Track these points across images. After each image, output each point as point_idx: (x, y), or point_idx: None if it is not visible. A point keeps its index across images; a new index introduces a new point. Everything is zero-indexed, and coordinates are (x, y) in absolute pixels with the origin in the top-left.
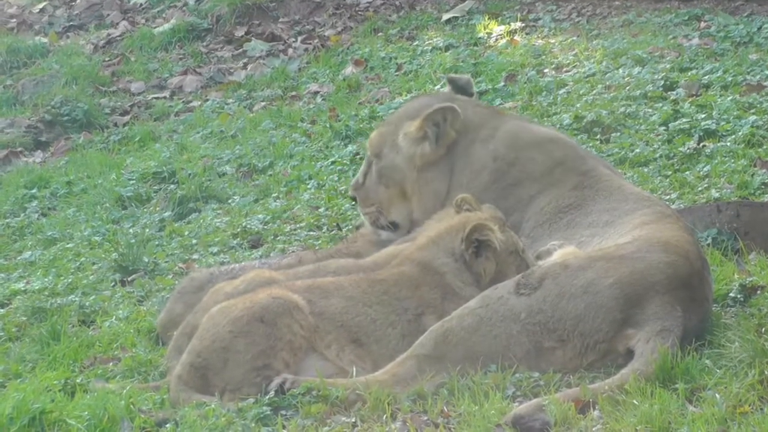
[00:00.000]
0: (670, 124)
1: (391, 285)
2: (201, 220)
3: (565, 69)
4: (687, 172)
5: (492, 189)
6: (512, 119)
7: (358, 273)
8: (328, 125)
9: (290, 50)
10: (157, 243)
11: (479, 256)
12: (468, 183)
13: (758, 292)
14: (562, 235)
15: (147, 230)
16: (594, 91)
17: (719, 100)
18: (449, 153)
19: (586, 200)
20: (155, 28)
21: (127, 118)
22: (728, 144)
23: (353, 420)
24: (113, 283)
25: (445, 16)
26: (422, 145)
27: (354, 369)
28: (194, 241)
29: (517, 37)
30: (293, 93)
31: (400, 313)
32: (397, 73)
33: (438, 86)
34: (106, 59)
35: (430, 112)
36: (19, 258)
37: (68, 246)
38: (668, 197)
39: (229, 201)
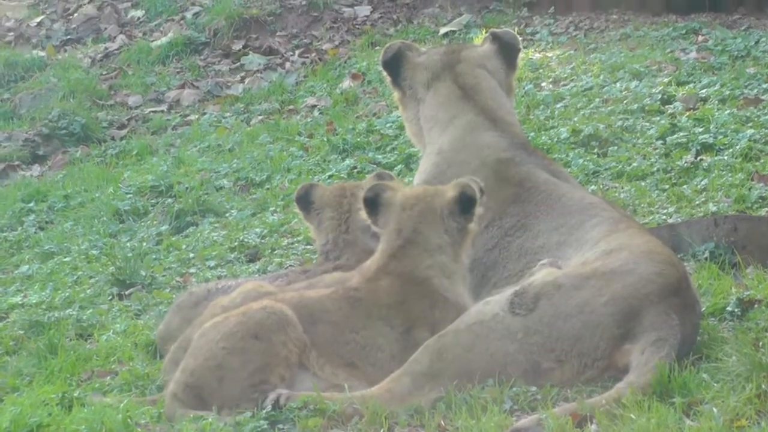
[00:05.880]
0: (667, 138)
1: (371, 305)
2: (198, 234)
3: (562, 82)
4: (684, 186)
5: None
6: (468, 114)
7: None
8: (325, 139)
9: (288, 64)
10: (154, 257)
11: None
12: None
13: (755, 306)
14: (517, 266)
15: (144, 244)
16: (591, 105)
17: (717, 113)
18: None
19: (528, 218)
20: (153, 41)
21: (124, 131)
22: (726, 158)
23: None
24: (110, 297)
25: (443, 30)
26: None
27: (347, 385)
28: (191, 255)
29: None
30: (291, 107)
31: (385, 334)
32: None
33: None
34: (104, 73)
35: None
36: (16, 272)
37: (65, 260)
38: (666, 211)
39: (227, 215)
